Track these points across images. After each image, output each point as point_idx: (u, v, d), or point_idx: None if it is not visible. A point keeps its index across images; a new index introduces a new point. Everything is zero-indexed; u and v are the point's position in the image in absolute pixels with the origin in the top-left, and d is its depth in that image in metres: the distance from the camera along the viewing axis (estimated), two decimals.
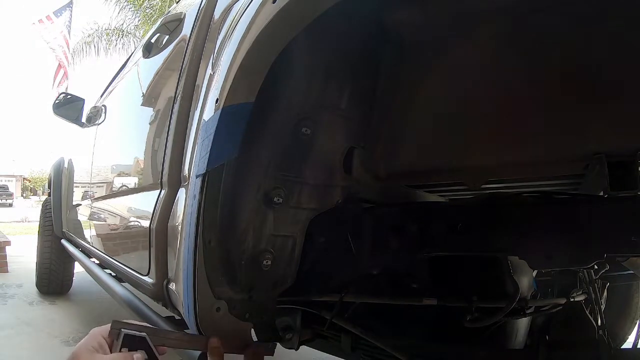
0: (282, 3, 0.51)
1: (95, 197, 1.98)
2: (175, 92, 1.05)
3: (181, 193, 0.93)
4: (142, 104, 1.52)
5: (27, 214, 13.90)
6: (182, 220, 0.85)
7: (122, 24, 10.06)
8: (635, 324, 1.43)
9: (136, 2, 9.54)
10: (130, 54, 2.33)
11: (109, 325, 0.64)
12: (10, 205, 24.37)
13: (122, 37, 10.18)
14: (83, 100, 2.72)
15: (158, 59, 1.39)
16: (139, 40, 9.87)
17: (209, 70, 0.84)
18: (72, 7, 9.45)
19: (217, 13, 0.97)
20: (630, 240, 0.67)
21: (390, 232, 0.84)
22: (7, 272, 3.90)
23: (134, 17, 9.85)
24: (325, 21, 0.53)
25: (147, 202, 1.12)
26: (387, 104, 0.80)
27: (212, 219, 0.69)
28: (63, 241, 2.61)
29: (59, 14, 9.47)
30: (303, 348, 0.90)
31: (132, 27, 10.07)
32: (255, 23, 0.59)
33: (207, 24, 1.01)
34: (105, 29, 10.19)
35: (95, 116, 2.27)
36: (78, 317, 2.61)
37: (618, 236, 0.69)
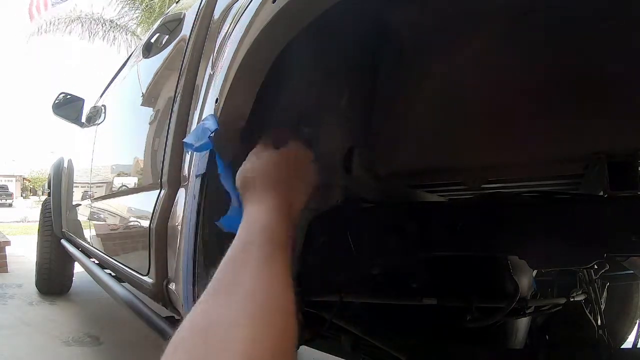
0: (282, 3, 0.51)
1: (95, 197, 1.98)
2: (175, 92, 1.05)
3: (181, 193, 0.93)
4: (142, 104, 1.52)
5: (27, 214, 13.90)
6: (182, 220, 0.85)
7: (119, 19, 10.16)
8: (635, 324, 1.43)
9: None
10: (130, 54, 2.33)
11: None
12: (10, 205, 24.37)
13: (118, 30, 10.26)
14: (83, 100, 2.72)
15: (158, 59, 1.39)
16: (132, 33, 9.99)
17: (209, 70, 0.84)
18: None
19: (217, 13, 0.97)
20: (630, 240, 0.67)
21: (390, 232, 0.84)
22: (7, 272, 3.90)
23: (130, 10, 9.93)
24: (325, 21, 0.53)
25: (146, 202, 1.12)
26: (387, 104, 0.80)
27: (212, 218, 0.69)
28: (63, 241, 2.61)
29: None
30: (303, 348, 0.90)
31: (133, 25, 10.14)
32: (255, 23, 0.59)
33: (206, 23, 1.01)
34: (97, 18, 10.26)
35: (95, 116, 2.27)
36: (78, 317, 2.61)
37: (618, 236, 0.69)
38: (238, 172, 0.57)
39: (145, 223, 1.07)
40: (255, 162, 0.56)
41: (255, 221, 0.48)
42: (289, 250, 0.47)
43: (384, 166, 0.87)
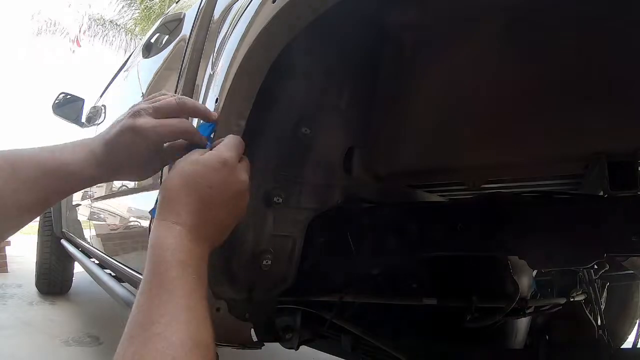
0: (282, 3, 0.51)
1: (95, 197, 1.98)
2: (175, 92, 1.05)
3: None
4: None
5: None
6: None
7: (119, 19, 10.30)
8: (635, 324, 1.43)
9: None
10: (129, 54, 2.33)
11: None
12: None
13: (116, 30, 10.40)
14: (83, 100, 2.72)
15: (158, 59, 1.39)
16: (131, 33, 10.15)
17: (209, 70, 0.84)
18: None
19: (217, 13, 0.97)
20: (630, 240, 0.67)
21: (390, 232, 0.84)
22: (7, 272, 3.90)
23: (128, 10, 10.06)
24: (325, 21, 0.53)
25: (147, 202, 1.12)
26: (387, 104, 0.80)
27: None
28: (63, 241, 2.61)
29: None
30: (303, 348, 0.90)
31: (131, 24, 10.24)
32: (255, 23, 0.59)
33: (206, 23, 1.01)
34: (97, 19, 10.41)
35: (95, 116, 2.28)
36: (78, 317, 2.62)
37: (618, 236, 0.69)
38: (172, 170, 0.51)
39: (145, 223, 1.07)
40: (194, 169, 0.50)
41: (178, 248, 0.48)
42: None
43: (384, 166, 0.87)
